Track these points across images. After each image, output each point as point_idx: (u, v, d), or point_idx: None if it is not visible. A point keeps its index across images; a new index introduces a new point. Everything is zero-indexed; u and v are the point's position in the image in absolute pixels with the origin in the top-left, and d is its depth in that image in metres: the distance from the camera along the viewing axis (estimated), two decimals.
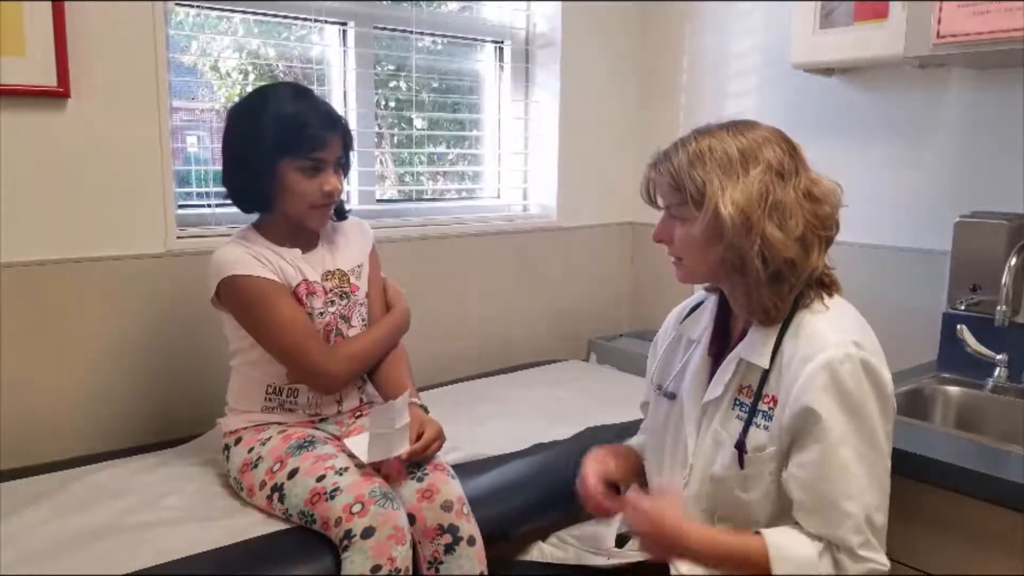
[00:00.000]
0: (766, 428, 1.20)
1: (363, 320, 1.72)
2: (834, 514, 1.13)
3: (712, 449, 1.27)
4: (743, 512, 1.24)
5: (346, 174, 1.67)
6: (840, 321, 1.20)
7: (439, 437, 1.56)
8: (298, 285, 1.59)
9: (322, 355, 1.56)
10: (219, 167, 2.03)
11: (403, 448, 1.50)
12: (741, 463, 1.21)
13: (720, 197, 1.16)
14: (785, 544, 1.15)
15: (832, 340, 1.15)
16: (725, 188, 1.17)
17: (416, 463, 1.53)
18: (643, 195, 1.30)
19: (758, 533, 1.17)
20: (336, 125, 1.59)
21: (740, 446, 1.20)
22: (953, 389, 1.81)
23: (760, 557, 1.14)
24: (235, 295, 1.55)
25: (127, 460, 1.73)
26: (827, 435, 1.13)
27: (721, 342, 1.33)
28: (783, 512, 1.21)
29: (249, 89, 2.14)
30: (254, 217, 1.67)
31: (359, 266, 1.73)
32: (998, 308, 1.69)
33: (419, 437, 1.53)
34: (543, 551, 1.47)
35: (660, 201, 1.27)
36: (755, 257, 1.16)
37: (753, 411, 1.22)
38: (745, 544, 1.17)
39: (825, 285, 1.24)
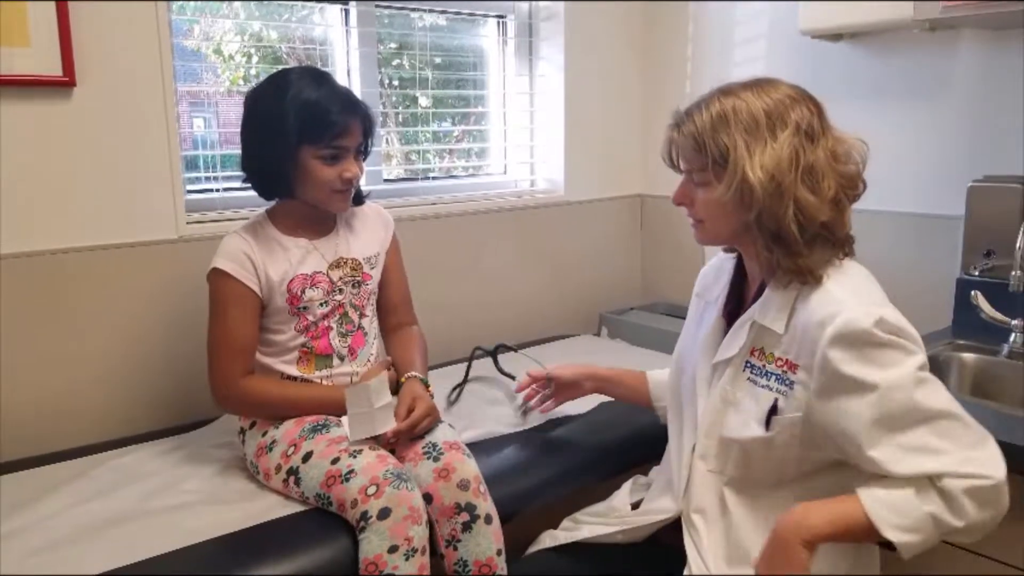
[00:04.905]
0: (779, 392, 1.20)
1: (375, 311, 1.73)
2: (909, 451, 1.09)
3: (721, 408, 1.28)
4: (761, 472, 1.25)
5: (366, 159, 1.66)
6: (854, 285, 1.20)
7: (430, 414, 1.56)
8: (292, 280, 1.60)
9: (225, 378, 1.57)
10: (225, 151, 2.06)
11: (388, 426, 1.51)
12: (767, 425, 1.21)
13: (748, 162, 1.15)
14: (880, 495, 1.10)
15: (849, 303, 1.14)
16: (753, 152, 1.15)
17: (432, 443, 1.53)
18: (664, 158, 1.28)
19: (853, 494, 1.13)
20: (356, 110, 1.58)
21: (773, 411, 1.20)
22: (968, 355, 1.81)
23: (861, 517, 1.09)
24: (209, 285, 1.60)
25: (145, 445, 1.75)
26: (870, 389, 1.10)
27: (735, 304, 1.34)
28: (802, 473, 1.24)
29: (254, 71, 2.14)
30: (262, 200, 1.67)
31: (375, 255, 1.73)
32: (1012, 273, 1.68)
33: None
34: (555, 537, 1.47)
35: (682, 164, 1.26)
36: (791, 222, 1.15)
37: (765, 374, 1.23)
38: (843, 509, 1.11)
39: (843, 244, 1.23)
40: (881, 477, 1.13)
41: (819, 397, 1.16)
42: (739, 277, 1.36)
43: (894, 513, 1.08)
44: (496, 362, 2.06)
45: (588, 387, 1.72)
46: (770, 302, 1.23)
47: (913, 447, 1.09)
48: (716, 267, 1.43)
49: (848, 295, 1.16)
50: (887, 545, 1.11)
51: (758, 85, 1.21)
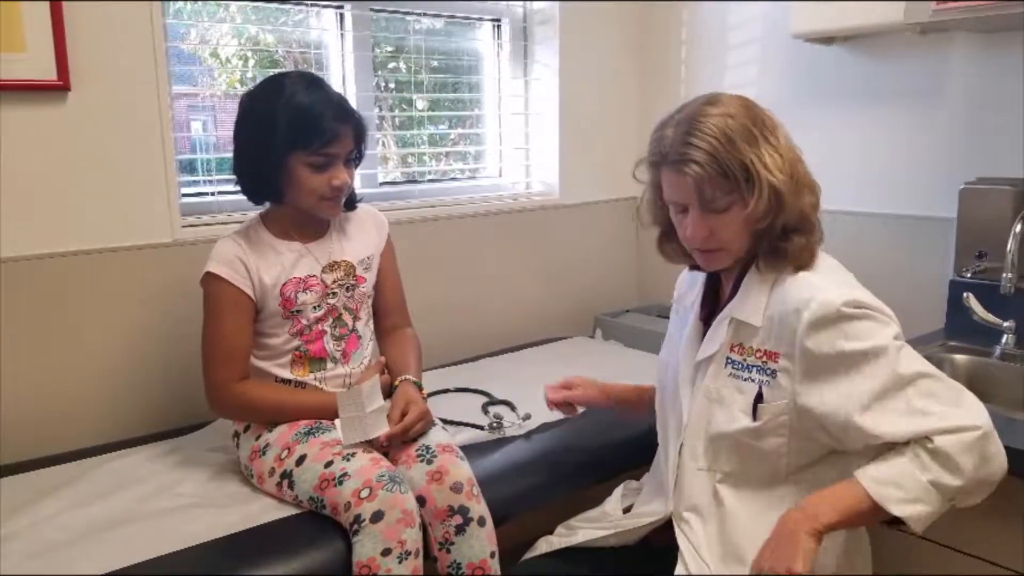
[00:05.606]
0: (761, 381, 1.23)
1: (369, 314, 1.73)
2: (898, 416, 1.14)
3: (705, 406, 1.30)
4: (754, 465, 1.27)
5: (358, 166, 1.66)
6: (827, 273, 1.24)
7: (423, 418, 1.57)
8: (285, 283, 1.60)
9: (220, 383, 1.57)
10: (222, 154, 2.06)
11: (381, 430, 1.52)
12: (755, 415, 1.23)
13: (765, 169, 1.18)
14: (877, 474, 1.13)
15: (821, 287, 1.19)
16: (764, 159, 1.18)
17: (426, 446, 1.53)
18: (693, 203, 1.21)
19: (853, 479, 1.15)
20: (348, 118, 1.58)
21: (759, 399, 1.23)
22: (961, 357, 1.82)
23: (865, 500, 1.12)
24: (204, 289, 1.60)
25: (141, 448, 1.75)
26: (854, 362, 1.15)
27: (712, 305, 1.37)
28: (796, 468, 1.25)
29: (250, 75, 2.15)
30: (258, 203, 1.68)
31: (368, 258, 1.73)
32: (1004, 275, 1.69)
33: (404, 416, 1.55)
34: (551, 543, 1.48)
35: (711, 198, 1.20)
36: (810, 210, 1.22)
37: (747, 367, 1.25)
38: (846, 495, 1.14)
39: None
40: (874, 455, 1.16)
41: (804, 381, 1.19)
42: (713, 280, 1.38)
43: (895, 488, 1.11)
44: (487, 404, 1.95)
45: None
46: (747, 294, 1.26)
47: (901, 411, 1.14)
48: (691, 274, 1.46)
49: (821, 280, 1.21)
50: (893, 523, 1.14)
51: (716, 101, 1.22)
